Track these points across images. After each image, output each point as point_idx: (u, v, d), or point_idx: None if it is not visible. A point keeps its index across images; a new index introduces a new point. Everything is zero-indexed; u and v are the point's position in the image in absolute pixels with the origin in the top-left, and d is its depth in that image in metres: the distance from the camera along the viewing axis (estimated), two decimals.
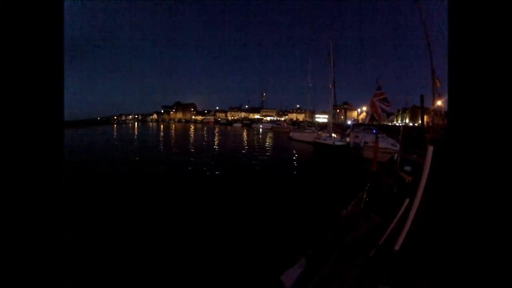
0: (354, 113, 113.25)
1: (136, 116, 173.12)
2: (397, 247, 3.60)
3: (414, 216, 3.60)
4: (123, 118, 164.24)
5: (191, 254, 6.21)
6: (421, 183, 3.60)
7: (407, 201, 3.85)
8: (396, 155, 12.49)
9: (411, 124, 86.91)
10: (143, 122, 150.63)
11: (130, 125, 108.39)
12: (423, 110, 14.87)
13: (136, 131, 67.11)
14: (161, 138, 44.02)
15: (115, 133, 50.78)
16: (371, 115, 12.97)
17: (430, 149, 3.57)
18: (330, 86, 34.05)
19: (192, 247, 6.58)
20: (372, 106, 13.55)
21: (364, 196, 7.55)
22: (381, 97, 13.05)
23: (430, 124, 23.10)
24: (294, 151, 29.89)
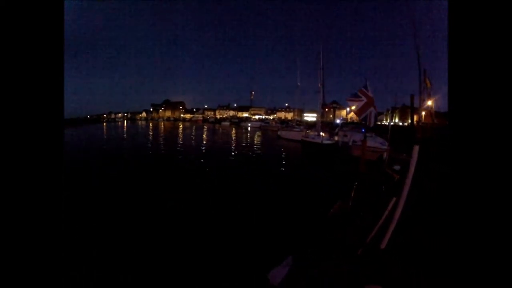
0: (343, 112, 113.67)
1: (126, 115, 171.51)
2: (383, 246, 3.63)
3: (400, 214, 3.62)
4: (113, 116, 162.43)
5: (185, 253, 6.18)
6: (407, 182, 3.62)
7: (394, 199, 3.87)
8: (385, 154, 12.54)
9: (400, 123, 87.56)
10: (132, 120, 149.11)
11: (120, 123, 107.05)
12: (413, 110, 15.01)
13: (125, 129, 66.34)
14: (150, 138, 43.55)
15: (105, 134, 49.97)
16: (367, 117, 12.79)
17: (416, 148, 3.59)
18: (319, 85, 34.19)
19: (185, 246, 6.55)
20: (372, 107, 13.46)
21: (352, 195, 7.57)
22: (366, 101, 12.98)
23: (420, 123, 23.36)
24: (282, 150, 29.85)
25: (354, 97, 12.67)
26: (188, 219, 8.42)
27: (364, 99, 12.85)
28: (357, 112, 12.68)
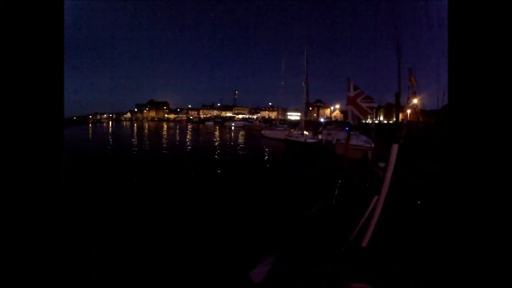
0: (327, 111, 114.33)
1: (111, 115, 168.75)
2: (364, 244, 3.60)
3: (380, 212, 3.62)
4: (98, 117, 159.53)
5: (184, 253, 6.13)
6: (386, 181, 3.64)
7: (375, 197, 3.87)
8: (369, 152, 12.62)
9: (385, 121, 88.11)
10: (117, 121, 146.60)
11: (105, 124, 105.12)
12: (399, 108, 15.17)
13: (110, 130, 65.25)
14: (135, 139, 42.93)
15: (90, 135, 48.85)
16: (357, 117, 12.82)
17: (395, 147, 3.59)
18: (303, 84, 34.35)
19: (184, 245, 6.50)
20: (356, 106, 13.50)
21: (336, 192, 7.56)
22: (363, 96, 13.07)
23: (405, 121, 23.68)
24: (266, 149, 29.85)
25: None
26: (179, 218, 8.35)
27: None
28: (366, 115, 12.85)
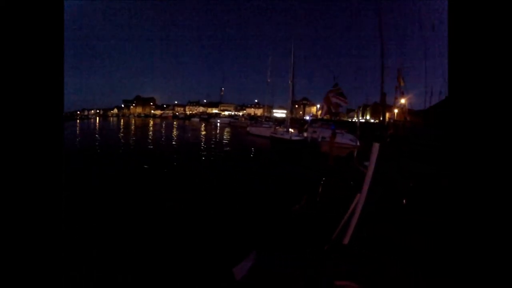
0: (313, 109, 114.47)
1: (98, 111, 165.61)
2: (345, 241, 3.59)
3: (361, 210, 3.61)
4: (86, 113, 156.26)
5: (183, 252, 6.08)
6: (367, 179, 3.61)
7: (358, 195, 3.88)
8: (355, 151, 12.67)
9: (372, 120, 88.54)
10: (104, 117, 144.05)
11: (93, 120, 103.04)
12: (385, 107, 15.25)
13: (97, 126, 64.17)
14: (121, 135, 42.33)
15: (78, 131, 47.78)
16: (327, 109, 13.03)
17: (376, 146, 3.60)
18: (290, 82, 34.40)
19: (183, 245, 6.45)
20: (326, 100, 13.73)
21: (320, 190, 7.57)
22: (337, 92, 13.27)
23: (391, 121, 23.95)
24: (251, 146, 29.77)
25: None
26: (165, 214, 8.32)
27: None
28: (336, 108, 13.04)
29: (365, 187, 3.63)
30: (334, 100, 13.06)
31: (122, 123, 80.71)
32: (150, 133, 45.85)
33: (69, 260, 4.91)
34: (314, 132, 27.54)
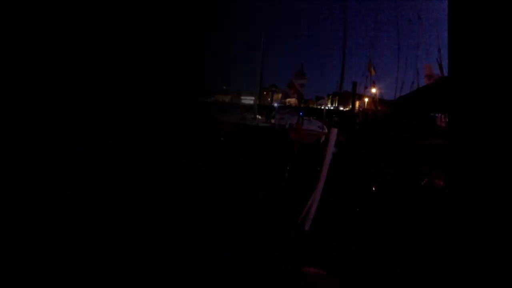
0: (280, 96, 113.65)
1: None
2: (307, 227, 3.53)
3: (320, 197, 3.56)
4: None
5: (183, 252, 5.95)
6: (325, 164, 3.58)
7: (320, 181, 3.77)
8: (323, 137, 12.46)
9: (341, 108, 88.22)
10: None
11: None
12: (355, 96, 15.25)
13: None
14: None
15: None
16: (296, 94, 13.08)
17: (334, 131, 3.54)
18: (257, 69, 33.96)
19: (182, 245, 6.31)
20: (291, 86, 13.75)
21: (286, 176, 7.38)
22: (298, 74, 13.29)
23: (361, 109, 23.73)
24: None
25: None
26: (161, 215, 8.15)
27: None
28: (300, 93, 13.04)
29: (324, 172, 3.58)
30: (297, 82, 13.07)
31: None
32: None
33: (69, 260, 4.80)
34: (282, 119, 26.97)
